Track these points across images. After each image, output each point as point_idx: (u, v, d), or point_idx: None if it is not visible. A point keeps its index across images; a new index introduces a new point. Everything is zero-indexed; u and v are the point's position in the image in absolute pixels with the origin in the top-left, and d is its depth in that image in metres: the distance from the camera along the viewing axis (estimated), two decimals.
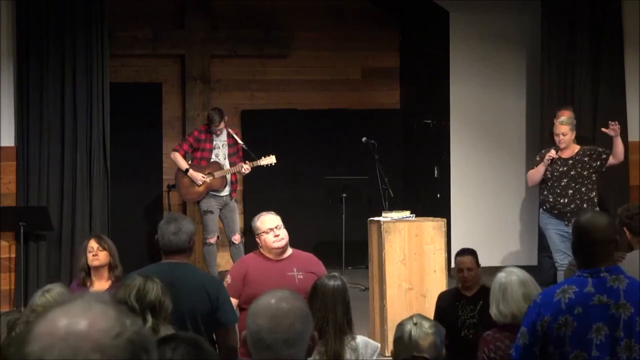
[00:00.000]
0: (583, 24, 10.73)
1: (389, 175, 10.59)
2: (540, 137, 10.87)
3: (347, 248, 10.87)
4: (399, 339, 3.99)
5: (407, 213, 8.29)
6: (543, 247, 10.44)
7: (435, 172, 11.93)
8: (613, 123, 9.24)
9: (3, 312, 7.91)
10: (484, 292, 6.37)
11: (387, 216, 8.23)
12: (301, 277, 5.98)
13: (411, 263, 7.95)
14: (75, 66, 9.93)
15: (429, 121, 12.17)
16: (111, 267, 6.37)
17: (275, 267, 6.14)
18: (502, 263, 11.01)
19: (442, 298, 6.59)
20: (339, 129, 12.32)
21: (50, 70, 9.89)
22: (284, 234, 6.16)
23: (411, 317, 4.08)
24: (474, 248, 6.83)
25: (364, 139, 10.64)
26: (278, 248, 6.15)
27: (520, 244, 11.54)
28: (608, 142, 9.44)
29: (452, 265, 10.31)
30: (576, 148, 9.22)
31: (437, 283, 7.98)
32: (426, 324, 3.99)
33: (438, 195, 11.84)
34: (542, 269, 10.25)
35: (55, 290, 4.80)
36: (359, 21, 12.52)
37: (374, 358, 4.92)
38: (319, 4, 12.39)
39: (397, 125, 12.69)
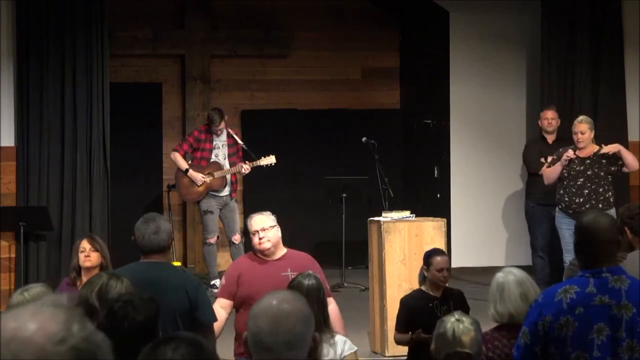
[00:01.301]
0: (583, 24, 10.73)
1: (389, 175, 10.58)
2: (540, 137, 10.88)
3: (347, 248, 10.86)
4: (441, 335, 4.01)
5: (407, 213, 8.29)
6: (535, 247, 10.44)
7: (435, 172, 11.94)
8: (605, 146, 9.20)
9: (3, 312, 7.90)
10: (449, 291, 6.38)
11: (387, 216, 8.22)
12: (293, 277, 5.99)
13: (411, 263, 7.95)
14: (75, 66, 9.92)
15: (429, 121, 12.17)
16: (102, 267, 6.34)
17: (270, 268, 6.17)
18: (502, 263, 11.02)
19: (408, 302, 6.41)
20: (339, 129, 12.32)
21: (50, 70, 9.88)
22: (271, 235, 6.18)
23: (452, 314, 4.10)
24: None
25: (364, 139, 10.64)
26: (263, 250, 6.19)
27: (520, 244, 11.53)
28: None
29: (453, 265, 10.35)
30: (595, 148, 9.17)
31: None
32: (467, 320, 4.02)
33: (438, 195, 11.84)
34: (535, 270, 10.23)
35: (34, 289, 4.75)
36: (359, 21, 12.52)
37: (349, 354, 4.94)
38: (319, 4, 12.39)
39: (397, 125, 12.68)
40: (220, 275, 10.80)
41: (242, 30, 12.13)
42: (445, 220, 8.29)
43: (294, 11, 12.29)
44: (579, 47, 10.73)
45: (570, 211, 9.04)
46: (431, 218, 8.42)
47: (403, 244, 7.99)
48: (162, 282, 5.09)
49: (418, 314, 6.21)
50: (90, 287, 4.45)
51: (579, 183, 9.07)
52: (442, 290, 6.33)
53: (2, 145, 9.88)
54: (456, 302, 6.24)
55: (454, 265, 10.44)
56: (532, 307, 4.18)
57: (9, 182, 9.94)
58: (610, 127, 10.71)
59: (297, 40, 12.30)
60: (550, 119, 10.26)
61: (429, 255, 6.41)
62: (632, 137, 10.70)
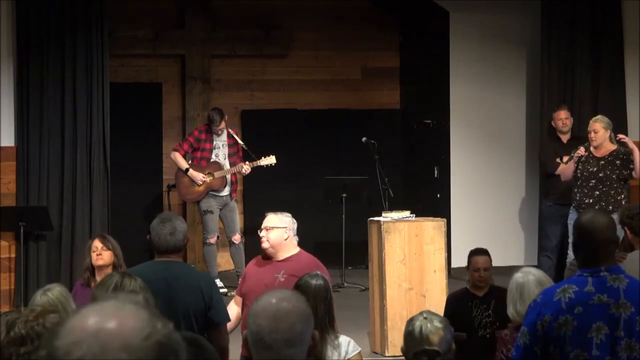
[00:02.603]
0: (583, 24, 10.74)
1: (389, 175, 10.59)
2: (540, 137, 10.88)
3: (347, 248, 10.86)
4: (409, 334, 4.02)
5: (407, 213, 8.29)
6: (542, 246, 10.45)
7: (435, 172, 11.93)
8: (621, 136, 9.16)
9: (3, 312, 7.90)
10: (495, 291, 6.38)
11: (387, 216, 8.22)
12: (282, 280, 6.01)
13: (411, 263, 7.95)
14: (75, 66, 9.92)
15: (429, 121, 12.17)
16: (115, 267, 6.37)
17: (268, 268, 6.21)
18: (502, 263, 11.00)
19: (452, 300, 6.57)
20: (339, 129, 12.31)
21: (50, 70, 9.88)
22: (271, 236, 6.20)
23: (421, 313, 4.11)
24: (474, 248, 6.85)
25: (364, 139, 10.64)
26: (263, 249, 6.23)
27: (520, 243, 11.54)
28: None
29: (453, 265, 10.36)
30: (612, 148, 9.13)
31: (437, 283, 7.98)
32: (436, 319, 4.02)
33: (438, 195, 11.83)
34: (541, 269, 10.24)
35: (55, 289, 4.81)
36: (359, 21, 12.51)
37: (353, 355, 4.94)
38: (319, 4, 12.39)
39: (397, 125, 12.68)
40: (220, 275, 10.83)
41: (242, 30, 12.12)
42: (445, 220, 8.29)
43: (294, 11, 12.29)
44: (579, 47, 10.73)
45: (581, 210, 9.03)
46: (431, 218, 8.42)
47: (403, 244, 7.99)
48: (177, 281, 5.13)
49: (457, 312, 6.29)
50: (104, 286, 4.46)
51: (591, 184, 9.06)
52: (486, 290, 6.36)
53: (2, 145, 9.88)
54: (500, 302, 6.22)
55: (454, 265, 10.45)
56: (531, 307, 4.19)
57: (9, 182, 9.94)
58: None
59: (297, 40, 12.30)
60: (564, 119, 10.30)
61: (469, 255, 6.51)
62: (632, 137, 10.68)
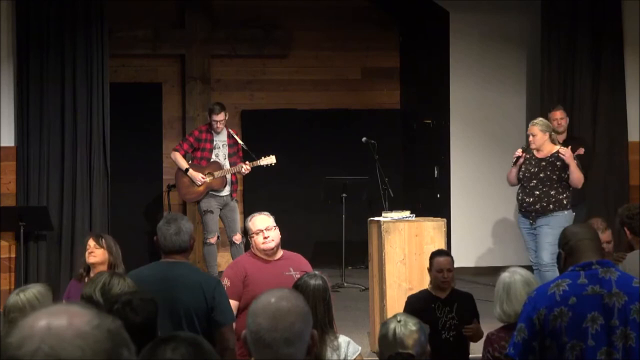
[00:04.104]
0: (583, 24, 10.74)
1: (389, 175, 10.59)
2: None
3: (347, 248, 10.86)
4: (383, 337, 4.03)
5: (407, 213, 8.28)
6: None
7: (435, 172, 11.94)
8: (564, 151, 8.95)
9: (3, 312, 7.90)
10: (457, 293, 6.36)
11: (387, 216, 8.21)
12: (298, 276, 5.99)
13: (411, 263, 7.94)
14: (75, 66, 9.93)
15: (429, 121, 12.18)
16: (111, 265, 6.40)
17: (274, 268, 6.18)
18: (502, 263, 11.00)
19: (412, 301, 6.44)
20: (339, 129, 12.32)
21: (50, 70, 9.89)
22: (274, 235, 6.20)
23: (395, 316, 4.11)
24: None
25: (364, 139, 10.64)
26: (267, 250, 6.21)
27: (519, 243, 11.52)
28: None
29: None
30: (554, 149, 9.04)
31: None
32: (410, 322, 4.03)
33: (438, 195, 11.84)
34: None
35: (31, 290, 4.81)
36: (359, 21, 12.52)
37: (354, 357, 4.93)
38: (319, 4, 12.39)
39: (397, 125, 12.69)
40: (220, 275, 10.81)
41: (242, 30, 12.13)
42: (445, 220, 8.28)
43: (294, 11, 12.29)
44: (579, 47, 10.73)
45: (523, 210, 8.98)
46: (431, 218, 8.40)
47: (403, 244, 7.98)
48: (179, 281, 5.13)
49: (419, 314, 6.22)
50: (93, 284, 4.52)
51: (532, 184, 8.96)
52: (448, 292, 6.31)
53: (2, 145, 9.89)
54: (462, 305, 6.21)
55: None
56: (526, 304, 4.24)
57: (9, 182, 9.95)
58: (610, 127, 10.72)
59: (297, 40, 12.31)
60: (559, 119, 10.25)
61: (431, 256, 6.44)
62: (632, 137, 10.70)
